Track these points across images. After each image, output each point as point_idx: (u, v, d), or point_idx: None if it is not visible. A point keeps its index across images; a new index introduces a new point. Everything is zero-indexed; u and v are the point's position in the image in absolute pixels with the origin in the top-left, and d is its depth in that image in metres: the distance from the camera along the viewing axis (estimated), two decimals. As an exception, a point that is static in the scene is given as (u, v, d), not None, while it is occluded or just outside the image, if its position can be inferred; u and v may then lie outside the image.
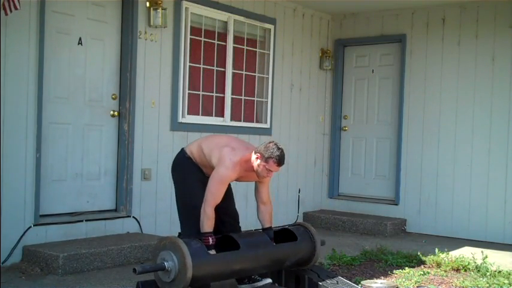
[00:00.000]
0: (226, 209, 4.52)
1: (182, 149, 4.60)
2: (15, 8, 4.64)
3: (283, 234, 4.60)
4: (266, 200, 4.52)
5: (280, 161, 4.22)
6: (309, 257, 4.57)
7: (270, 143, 4.26)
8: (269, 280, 4.55)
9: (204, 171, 4.44)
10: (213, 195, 4.20)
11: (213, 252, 4.09)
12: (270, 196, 4.57)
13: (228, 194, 4.55)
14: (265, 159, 4.19)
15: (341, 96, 8.44)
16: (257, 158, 4.22)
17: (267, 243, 4.39)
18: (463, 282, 4.97)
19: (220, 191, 4.24)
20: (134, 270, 3.82)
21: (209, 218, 4.16)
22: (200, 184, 4.37)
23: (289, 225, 4.87)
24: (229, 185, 4.55)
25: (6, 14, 4.65)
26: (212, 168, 4.32)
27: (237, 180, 4.48)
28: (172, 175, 4.61)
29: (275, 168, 4.22)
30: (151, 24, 5.96)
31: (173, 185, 4.62)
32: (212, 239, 4.12)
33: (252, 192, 4.59)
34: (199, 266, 3.88)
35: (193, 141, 4.72)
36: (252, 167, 4.26)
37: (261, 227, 4.56)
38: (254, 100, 7.36)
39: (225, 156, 4.26)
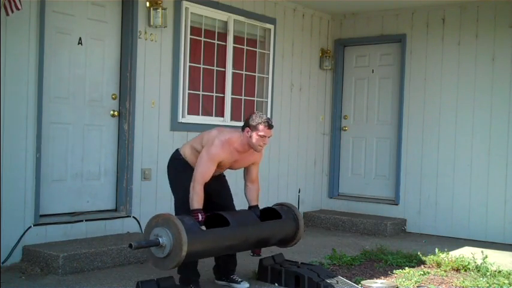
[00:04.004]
0: (224, 207, 4.56)
1: (177, 150, 4.68)
2: (17, 8, 4.64)
3: (268, 213, 4.74)
4: (254, 179, 4.64)
5: (268, 122, 4.35)
6: (293, 236, 4.79)
7: (251, 114, 4.41)
8: (247, 285, 4.62)
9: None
10: (202, 173, 4.26)
11: (203, 228, 4.16)
12: (258, 176, 4.68)
13: (227, 192, 4.63)
14: (255, 128, 4.30)
15: (341, 96, 8.45)
16: (247, 131, 4.34)
17: (254, 220, 4.55)
18: (463, 282, 4.97)
19: (210, 170, 4.29)
20: (130, 245, 3.90)
21: (198, 195, 4.22)
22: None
23: (273, 205, 4.99)
24: (227, 183, 4.60)
25: (7, 14, 4.65)
26: None
27: (232, 167, 4.54)
28: (168, 174, 4.70)
29: (267, 131, 4.33)
30: (151, 24, 5.96)
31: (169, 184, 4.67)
32: (202, 215, 4.18)
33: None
34: (193, 242, 3.97)
35: (186, 142, 4.77)
36: (242, 147, 4.36)
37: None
38: (254, 100, 7.36)
39: (213, 136, 4.38)
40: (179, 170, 4.55)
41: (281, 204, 4.94)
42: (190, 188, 4.25)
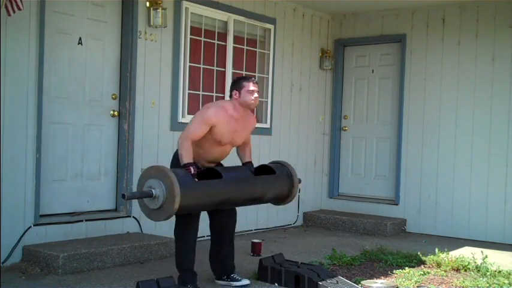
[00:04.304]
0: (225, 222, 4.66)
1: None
2: (19, 9, 4.64)
3: (262, 171, 4.74)
4: (247, 141, 4.73)
5: (250, 78, 4.55)
6: (287, 193, 4.76)
7: (233, 81, 4.63)
8: (247, 281, 4.61)
9: (200, 165, 4.47)
10: (192, 132, 4.31)
11: (196, 180, 4.19)
12: (250, 139, 4.78)
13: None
14: (241, 86, 4.44)
15: (341, 96, 8.45)
16: (235, 94, 4.47)
17: (248, 174, 4.56)
18: (463, 282, 4.97)
19: (201, 130, 4.33)
20: (123, 195, 3.96)
21: (186, 149, 4.25)
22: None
23: (268, 163, 5.00)
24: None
25: (9, 14, 4.64)
26: (205, 155, 4.46)
27: (233, 142, 4.56)
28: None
29: (254, 86, 4.47)
30: (151, 24, 5.96)
31: None
32: (194, 168, 4.19)
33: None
34: (186, 193, 3.99)
35: None
36: (237, 111, 4.45)
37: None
38: (254, 100, 7.35)
39: (207, 106, 4.54)
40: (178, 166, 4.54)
41: (276, 162, 4.94)
42: (178, 143, 4.29)
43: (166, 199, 3.98)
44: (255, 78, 4.59)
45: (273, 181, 4.71)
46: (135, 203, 5.92)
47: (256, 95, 4.47)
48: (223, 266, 4.67)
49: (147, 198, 4.06)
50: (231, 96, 4.52)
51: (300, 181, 4.84)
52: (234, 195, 4.42)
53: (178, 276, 4.45)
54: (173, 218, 6.11)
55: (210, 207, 4.44)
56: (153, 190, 4.01)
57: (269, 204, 7.34)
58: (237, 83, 4.50)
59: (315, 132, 8.24)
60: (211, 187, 4.26)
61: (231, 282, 4.60)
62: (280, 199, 4.83)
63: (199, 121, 4.35)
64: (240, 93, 4.45)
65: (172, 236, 5.82)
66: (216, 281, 4.68)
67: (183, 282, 4.40)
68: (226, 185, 4.33)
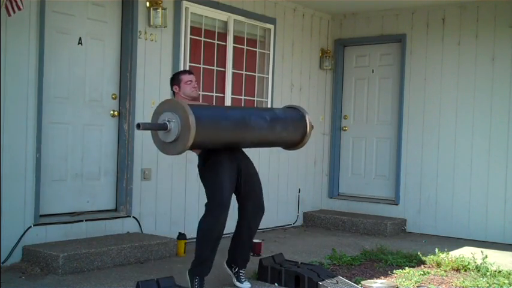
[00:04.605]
0: (252, 183, 4.55)
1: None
2: (19, 9, 4.63)
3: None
4: None
5: (185, 70, 4.86)
6: (302, 135, 4.74)
7: (171, 77, 4.85)
8: (249, 285, 4.59)
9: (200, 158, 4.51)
10: None
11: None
12: None
13: (253, 175, 4.59)
14: (180, 81, 4.68)
15: (341, 96, 8.45)
16: (176, 88, 4.70)
17: (259, 108, 4.69)
18: (463, 282, 4.97)
19: None
20: (138, 125, 3.90)
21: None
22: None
23: (283, 107, 5.08)
24: (254, 169, 4.61)
25: (9, 14, 4.64)
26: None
27: None
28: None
29: (189, 76, 4.71)
30: (151, 24, 5.96)
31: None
32: None
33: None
34: (201, 125, 3.95)
35: None
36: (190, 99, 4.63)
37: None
38: (254, 100, 7.36)
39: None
40: (200, 168, 4.54)
41: (291, 107, 4.99)
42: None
43: (182, 131, 3.91)
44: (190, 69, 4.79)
45: (286, 113, 4.78)
46: (135, 202, 5.93)
47: (194, 84, 4.70)
48: (238, 254, 4.61)
49: (161, 132, 4.01)
50: (174, 93, 4.74)
51: (312, 127, 4.88)
52: (252, 125, 4.36)
53: (190, 268, 4.38)
54: (176, 219, 6.10)
55: (225, 141, 4.32)
56: (167, 123, 3.96)
57: (269, 204, 7.34)
58: (175, 79, 4.75)
59: (315, 132, 8.21)
60: (228, 118, 4.27)
61: (235, 281, 4.58)
62: (295, 141, 4.77)
63: None
64: (179, 86, 4.70)
65: (172, 236, 5.87)
66: (225, 265, 4.66)
67: (192, 274, 4.34)
68: (243, 114, 4.44)
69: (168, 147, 4.04)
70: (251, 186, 4.53)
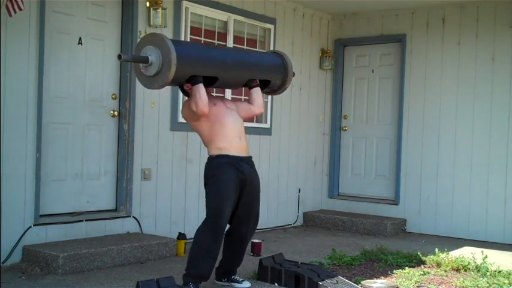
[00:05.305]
0: (249, 208, 4.51)
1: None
2: (20, 9, 4.63)
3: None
4: (247, 104, 4.80)
5: None
6: (282, 80, 4.82)
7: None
8: (248, 284, 4.58)
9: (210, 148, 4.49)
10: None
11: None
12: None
13: (254, 195, 4.55)
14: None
15: (341, 96, 8.45)
16: (187, 86, 4.45)
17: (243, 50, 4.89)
18: (463, 282, 4.97)
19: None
20: (119, 56, 3.99)
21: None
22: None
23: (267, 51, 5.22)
24: (258, 184, 4.57)
25: (10, 15, 4.64)
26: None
27: (246, 119, 4.73)
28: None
29: None
30: (151, 24, 5.96)
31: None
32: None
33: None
34: (182, 60, 4.01)
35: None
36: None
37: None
38: (254, 100, 7.35)
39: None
40: (206, 177, 4.47)
41: (275, 52, 5.04)
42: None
43: (163, 66, 3.99)
44: None
45: (263, 55, 4.95)
46: (135, 202, 5.93)
47: None
48: (227, 270, 4.62)
49: (143, 65, 4.08)
50: (185, 91, 4.57)
51: (294, 74, 4.93)
52: (229, 63, 4.44)
53: (186, 274, 4.31)
54: (176, 219, 6.10)
55: (205, 75, 4.35)
56: (149, 56, 4.03)
57: (269, 204, 7.38)
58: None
59: (315, 132, 8.24)
60: (208, 55, 4.33)
61: (233, 284, 4.58)
62: (276, 83, 4.82)
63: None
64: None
65: (172, 236, 5.87)
66: (216, 281, 4.64)
67: (187, 277, 4.27)
68: (222, 53, 4.55)
69: (149, 81, 4.12)
70: (248, 210, 4.49)
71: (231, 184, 4.32)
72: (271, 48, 7.45)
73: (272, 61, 4.81)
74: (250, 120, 7.30)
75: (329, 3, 7.81)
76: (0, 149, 4.87)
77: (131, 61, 4.15)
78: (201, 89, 4.24)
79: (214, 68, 4.34)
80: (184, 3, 6.34)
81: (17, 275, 4.74)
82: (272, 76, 4.76)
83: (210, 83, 4.37)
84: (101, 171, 5.83)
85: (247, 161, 4.49)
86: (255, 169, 4.57)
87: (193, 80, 4.24)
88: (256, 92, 4.69)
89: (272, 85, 4.81)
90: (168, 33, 6.19)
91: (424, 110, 7.65)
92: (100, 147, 5.82)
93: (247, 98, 7.17)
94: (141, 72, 4.14)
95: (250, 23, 7.18)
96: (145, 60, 4.04)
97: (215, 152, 4.41)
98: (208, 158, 4.46)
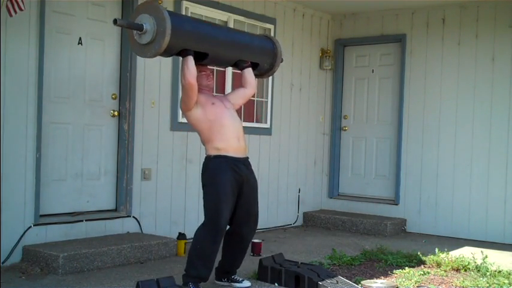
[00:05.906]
0: (248, 209, 4.52)
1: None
2: (20, 9, 4.63)
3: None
4: (241, 88, 4.84)
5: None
6: (271, 64, 4.90)
7: None
8: (248, 283, 4.58)
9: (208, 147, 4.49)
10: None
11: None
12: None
13: (252, 195, 4.56)
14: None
15: (341, 96, 8.45)
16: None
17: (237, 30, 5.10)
18: (463, 282, 4.97)
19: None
20: (115, 20, 3.99)
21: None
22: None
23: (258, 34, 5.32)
24: (256, 185, 4.59)
25: (10, 15, 4.64)
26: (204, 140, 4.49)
27: (244, 103, 4.92)
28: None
29: (203, 67, 4.55)
30: (151, 24, 5.95)
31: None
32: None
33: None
34: (176, 30, 4.03)
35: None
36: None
37: None
38: (254, 100, 7.36)
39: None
40: (203, 178, 4.47)
41: (265, 36, 5.15)
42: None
43: (157, 34, 4.01)
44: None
45: (253, 36, 5.06)
46: (135, 202, 5.93)
47: (209, 73, 4.60)
48: (227, 270, 4.63)
49: (137, 33, 4.09)
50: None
51: (282, 60, 5.00)
52: (222, 40, 4.52)
53: (185, 274, 4.32)
54: (176, 219, 6.10)
55: (196, 49, 4.38)
56: (144, 24, 4.04)
57: (269, 204, 7.39)
58: None
59: (315, 132, 8.24)
60: (201, 29, 4.39)
61: (233, 284, 4.58)
62: (266, 64, 4.89)
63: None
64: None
65: (172, 236, 5.87)
66: (216, 281, 4.65)
67: (187, 277, 4.29)
68: (215, 29, 4.68)
69: (142, 49, 4.13)
70: (247, 210, 4.50)
71: (229, 186, 4.33)
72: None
73: (263, 45, 4.90)
74: (250, 120, 7.31)
75: (329, 3, 7.81)
76: (0, 149, 4.87)
77: (126, 27, 4.15)
78: (189, 61, 4.26)
79: (206, 42, 4.39)
80: (184, 3, 6.34)
81: (17, 275, 4.74)
82: (261, 59, 4.86)
83: (200, 58, 4.40)
84: (101, 171, 5.83)
85: (244, 161, 4.49)
86: (252, 169, 4.57)
87: (183, 53, 4.26)
88: (249, 72, 4.77)
89: (260, 67, 4.90)
90: (168, 33, 6.20)
91: (424, 110, 7.65)
92: (100, 147, 5.82)
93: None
94: (135, 39, 4.15)
95: (250, 23, 7.17)
96: (140, 27, 4.05)
97: (213, 152, 4.41)
98: (206, 158, 4.47)
